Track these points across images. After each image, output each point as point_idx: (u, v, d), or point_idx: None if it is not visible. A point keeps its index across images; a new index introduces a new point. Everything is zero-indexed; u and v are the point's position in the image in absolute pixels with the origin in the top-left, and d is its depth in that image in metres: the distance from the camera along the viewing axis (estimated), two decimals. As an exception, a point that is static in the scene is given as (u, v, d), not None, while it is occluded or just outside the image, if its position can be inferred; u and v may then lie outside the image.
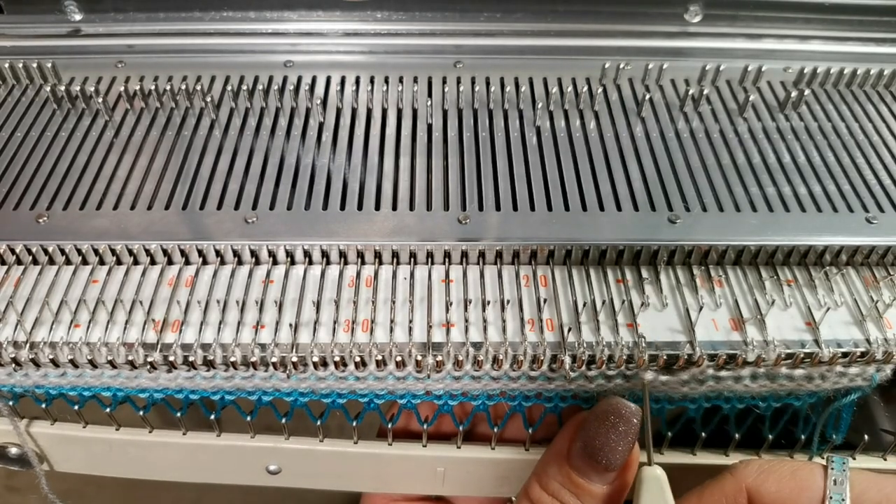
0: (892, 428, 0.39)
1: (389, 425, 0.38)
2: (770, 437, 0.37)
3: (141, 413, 0.37)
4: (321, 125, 0.43)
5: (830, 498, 0.30)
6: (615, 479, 0.32)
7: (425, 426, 0.38)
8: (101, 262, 0.36)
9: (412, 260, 0.36)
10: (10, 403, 0.37)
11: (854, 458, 0.38)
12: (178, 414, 0.37)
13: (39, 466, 0.40)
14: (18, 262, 0.36)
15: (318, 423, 0.37)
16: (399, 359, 0.33)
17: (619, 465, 0.31)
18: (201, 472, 0.41)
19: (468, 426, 0.38)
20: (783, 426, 0.37)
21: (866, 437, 0.37)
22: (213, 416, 0.37)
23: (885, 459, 0.39)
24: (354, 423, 0.37)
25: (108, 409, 0.37)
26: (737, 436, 0.37)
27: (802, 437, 0.37)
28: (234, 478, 0.41)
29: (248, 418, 0.37)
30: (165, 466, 0.41)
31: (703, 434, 0.37)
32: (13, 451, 0.39)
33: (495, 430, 0.37)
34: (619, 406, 0.31)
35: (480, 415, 0.38)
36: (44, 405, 0.37)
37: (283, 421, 0.37)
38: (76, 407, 0.37)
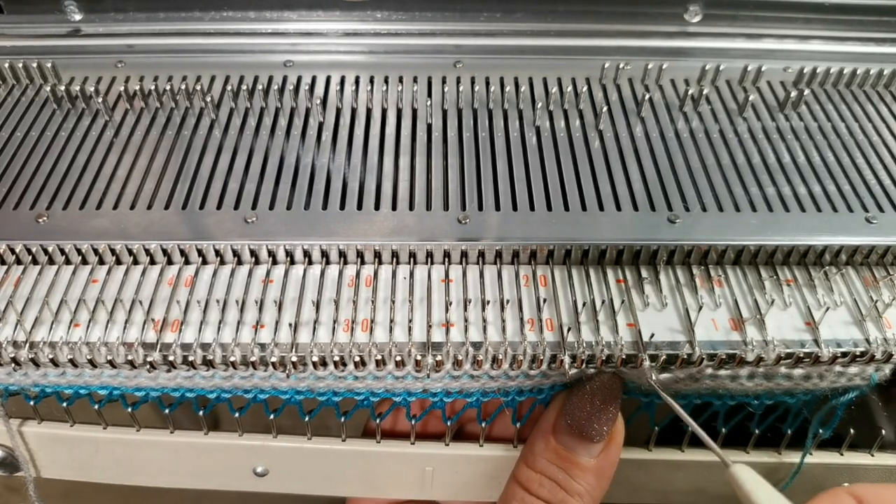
0: (890, 426, 0.39)
1: (378, 420, 0.38)
2: (757, 432, 0.37)
3: (129, 409, 0.37)
4: (321, 125, 0.43)
5: None
6: (601, 451, 0.32)
7: (413, 422, 0.38)
8: (101, 262, 0.36)
9: (412, 260, 0.36)
10: (0, 401, 0.37)
11: (842, 455, 0.38)
12: (167, 410, 0.37)
13: (29, 470, 0.40)
14: (18, 262, 0.36)
15: (307, 419, 0.37)
16: (398, 358, 0.33)
17: (604, 436, 0.32)
18: (189, 477, 0.41)
19: (456, 426, 0.38)
20: (771, 422, 0.37)
21: (852, 431, 0.38)
22: (201, 413, 0.37)
23: (873, 455, 0.39)
24: (343, 420, 0.37)
25: (97, 406, 0.37)
26: (724, 430, 0.37)
27: (789, 431, 0.37)
28: (222, 482, 0.41)
29: (237, 415, 0.37)
30: (152, 470, 0.41)
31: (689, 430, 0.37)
32: None
33: (483, 425, 0.37)
34: (602, 377, 0.32)
35: (468, 415, 0.38)
36: (32, 402, 0.37)
37: (272, 417, 0.37)
38: (65, 404, 0.37)
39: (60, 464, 0.41)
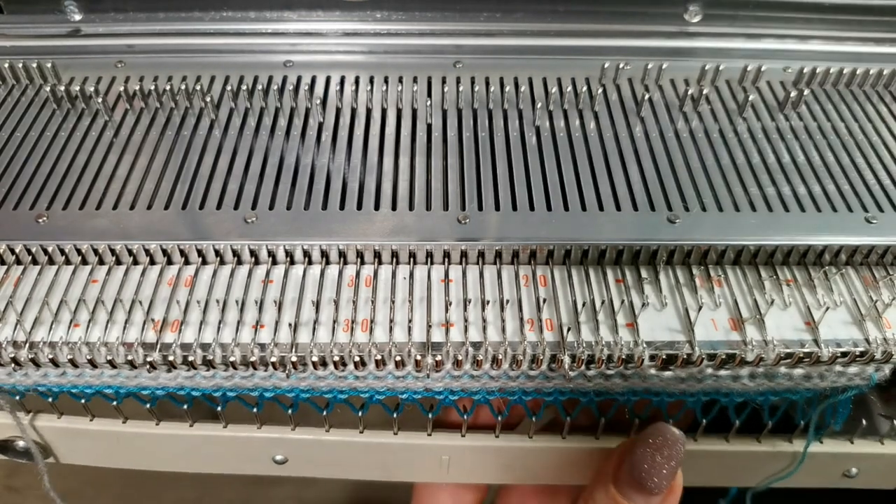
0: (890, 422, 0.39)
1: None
2: (770, 423, 0.38)
3: (147, 406, 0.38)
4: (321, 125, 0.43)
5: None
6: (660, 503, 0.33)
7: (430, 416, 0.38)
8: (101, 262, 0.36)
9: (411, 260, 0.36)
10: (17, 398, 0.37)
11: (853, 443, 0.39)
12: (185, 406, 0.37)
13: (42, 461, 0.40)
14: (18, 262, 0.36)
15: (324, 413, 0.37)
16: (398, 358, 0.33)
17: (664, 489, 0.32)
18: (208, 463, 0.42)
19: (473, 418, 0.38)
20: (783, 412, 0.38)
21: (864, 421, 0.38)
22: (219, 409, 0.37)
23: (883, 443, 0.39)
24: (360, 414, 0.37)
25: (114, 403, 0.37)
26: (737, 422, 0.37)
27: (801, 422, 0.38)
28: (241, 467, 0.42)
29: (255, 410, 0.37)
30: (172, 457, 0.42)
31: (704, 421, 0.38)
32: (20, 443, 0.40)
33: (499, 418, 0.37)
34: (665, 431, 0.33)
35: (486, 419, 0.38)
36: (49, 399, 0.37)
37: (290, 412, 0.37)
38: (82, 401, 0.37)
39: (82, 453, 0.41)
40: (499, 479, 0.41)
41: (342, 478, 0.42)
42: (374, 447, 0.39)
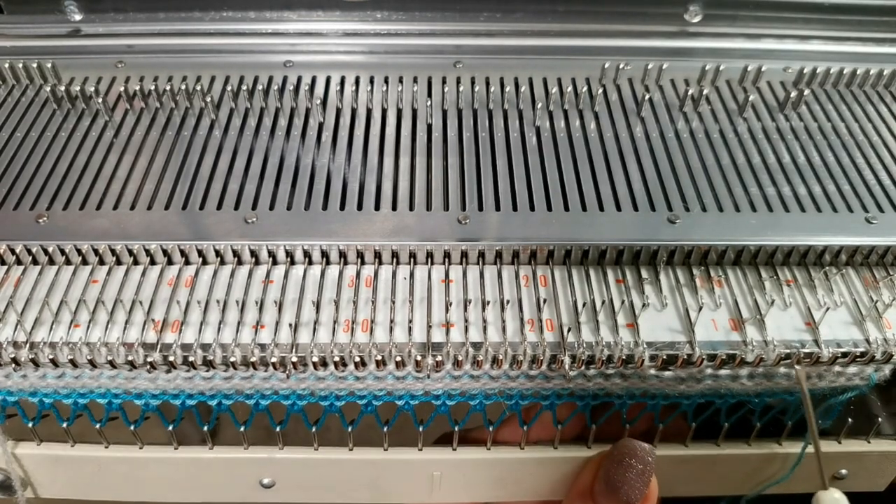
0: (889, 423, 0.39)
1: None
2: (758, 425, 0.38)
3: (132, 427, 0.37)
4: (321, 125, 0.43)
5: None
6: None
7: (420, 428, 0.37)
8: (101, 263, 0.36)
9: (412, 260, 0.36)
10: None
11: (840, 443, 0.39)
12: (171, 427, 0.37)
13: (22, 492, 0.39)
14: (18, 262, 0.36)
15: (314, 429, 0.37)
16: (399, 359, 0.33)
17: (638, 500, 0.33)
18: (194, 491, 0.40)
19: (463, 431, 0.38)
20: (772, 415, 0.38)
21: (850, 420, 0.38)
22: (206, 428, 0.37)
23: (870, 442, 0.39)
24: (350, 429, 0.37)
25: (98, 425, 0.36)
26: (726, 425, 0.37)
27: (789, 423, 0.38)
28: (228, 495, 0.40)
29: (242, 428, 0.37)
30: (156, 486, 0.40)
31: (694, 425, 0.38)
32: None
33: (490, 429, 0.37)
34: (634, 447, 0.34)
35: (476, 416, 0.38)
36: (31, 424, 0.36)
37: (278, 429, 0.37)
38: (65, 424, 0.36)
39: (61, 484, 0.40)
40: (491, 496, 0.41)
41: (331, 502, 0.41)
42: (363, 464, 0.39)
